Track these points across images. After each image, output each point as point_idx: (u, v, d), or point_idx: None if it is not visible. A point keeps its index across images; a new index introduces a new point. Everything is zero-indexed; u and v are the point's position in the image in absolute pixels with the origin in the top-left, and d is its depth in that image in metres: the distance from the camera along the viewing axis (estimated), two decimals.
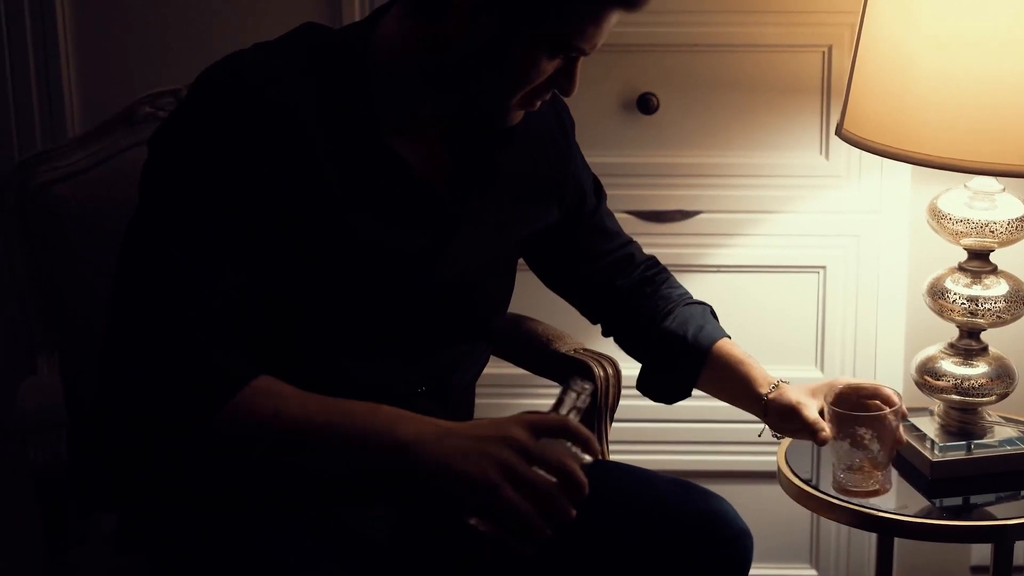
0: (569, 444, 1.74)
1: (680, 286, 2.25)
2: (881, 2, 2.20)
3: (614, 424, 2.35)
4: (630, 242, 2.25)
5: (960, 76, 2.11)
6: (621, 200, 2.62)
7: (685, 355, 2.15)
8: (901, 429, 2.12)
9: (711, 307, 2.23)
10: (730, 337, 2.18)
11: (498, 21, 1.79)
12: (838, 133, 2.29)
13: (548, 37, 1.80)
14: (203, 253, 1.78)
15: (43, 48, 2.69)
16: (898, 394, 2.12)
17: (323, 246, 1.85)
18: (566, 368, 2.28)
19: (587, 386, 1.82)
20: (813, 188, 2.64)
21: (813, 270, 2.69)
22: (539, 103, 1.91)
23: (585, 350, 2.30)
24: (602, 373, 2.24)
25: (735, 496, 2.69)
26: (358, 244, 1.86)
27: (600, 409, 2.24)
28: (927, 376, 2.34)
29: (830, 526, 2.76)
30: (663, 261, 2.54)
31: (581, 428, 1.76)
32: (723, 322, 2.48)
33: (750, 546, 2.02)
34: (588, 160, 2.20)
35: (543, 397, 2.33)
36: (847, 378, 2.25)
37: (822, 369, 2.70)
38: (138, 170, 2.31)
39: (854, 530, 2.72)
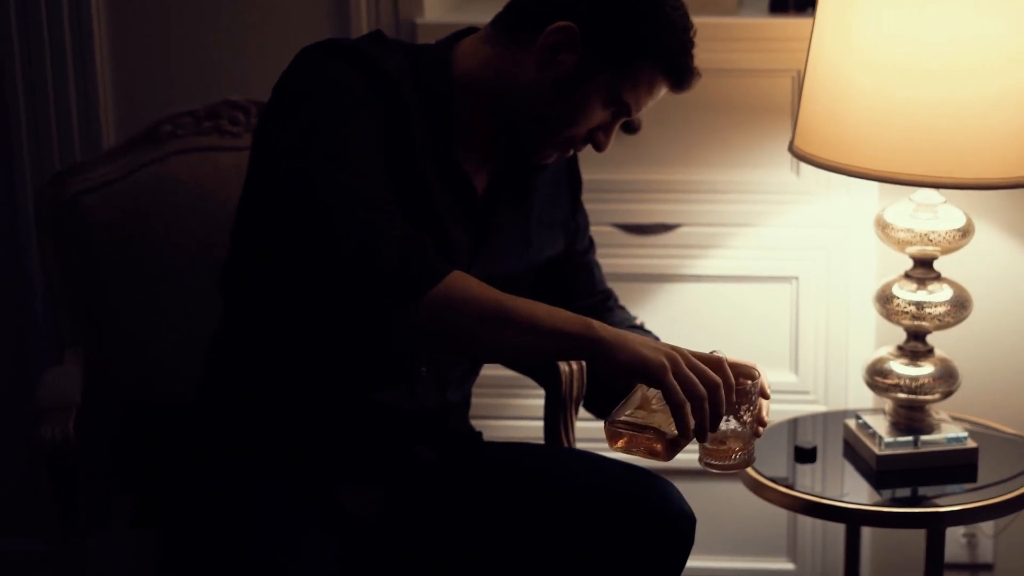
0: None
1: (629, 315, 2.40)
2: (824, 30, 2.37)
3: (587, 423, 2.49)
4: (608, 291, 2.41)
5: (891, 97, 2.27)
6: (607, 214, 2.80)
7: None
8: (760, 407, 2.09)
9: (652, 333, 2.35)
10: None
11: (574, 62, 2.02)
12: (790, 149, 2.47)
13: (609, 88, 2.04)
14: (375, 164, 1.95)
15: (81, 68, 2.90)
16: (759, 371, 2.10)
17: (400, 202, 1.98)
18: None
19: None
20: (785, 203, 2.80)
21: (787, 280, 2.83)
22: (571, 152, 2.14)
23: None
24: (567, 368, 2.41)
25: (711, 494, 2.87)
26: (422, 213, 2.04)
27: (565, 400, 2.42)
28: (876, 376, 2.51)
29: (806, 522, 2.91)
30: (646, 271, 2.74)
31: (729, 374, 1.92)
32: (702, 328, 2.67)
33: (691, 529, 2.16)
34: None
35: (538, 398, 2.53)
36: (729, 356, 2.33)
37: (796, 372, 2.86)
38: (160, 183, 2.56)
39: (829, 525, 2.88)
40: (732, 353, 2.74)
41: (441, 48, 2.13)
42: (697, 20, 2.68)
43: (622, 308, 2.43)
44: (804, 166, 2.71)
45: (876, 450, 2.46)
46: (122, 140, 2.65)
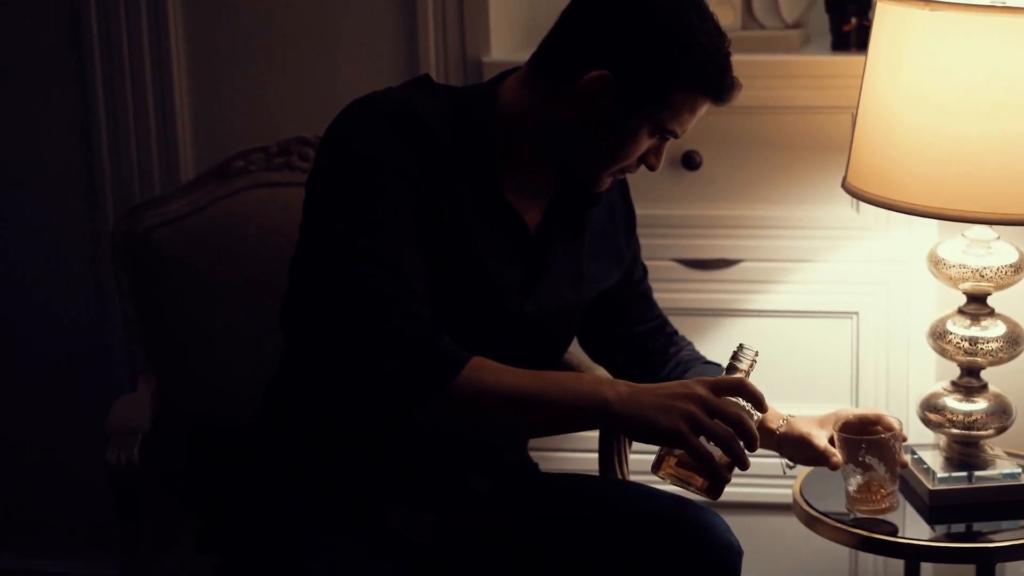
0: (743, 401, 1.97)
1: (695, 350, 2.45)
2: (875, 68, 2.40)
3: (641, 456, 2.54)
4: (663, 315, 2.47)
5: (941, 134, 2.29)
6: (668, 249, 2.84)
7: None
8: (901, 451, 2.33)
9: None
10: None
11: (613, 103, 2.07)
12: (843, 186, 2.49)
13: (652, 120, 2.08)
14: (403, 243, 2.02)
15: (162, 104, 3.02)
16: (899, 421, 2.33)
17: (443, 260, 2.08)
18: None
19: (752, 351, 2.06)
20: (846, 239, 2.82)
21: (847, 315, 2.85)
22: (625, 175, 2.19)
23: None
24: None
25: (765, 527, 2.88)
26: (470, 265, 2.11)
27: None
28: (930, 412, 2.52)
29: (867, 558, 2.92)
30: (707, 306, 2.77)
31: (754, 387, 1.98)
32: (763, 363, 2.66)
33: (736, 560, 2.21)
34: (637, 212, 2.42)
35: (593, 430, 2.52)
36: (852, 409, 2.43)
37: (856, 407, 2.85)
38: (230, 218, 2.64)
39: (890, 561, 2.88)
40: (792, 387, 2.80)
41: (486, 89, 2.18)
42: (760, 58, 2.79)
43: (681, 337, 2.47)
44: (864, 203, 2.73)
45: (929, 485, 2.47)
46: (196, 175, 2.75)
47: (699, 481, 1.96)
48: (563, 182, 2.20)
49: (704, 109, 2.13)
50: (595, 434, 2.52)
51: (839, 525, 2.43)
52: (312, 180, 2.12)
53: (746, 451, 1.94)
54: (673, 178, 2.84)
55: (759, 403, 1.99)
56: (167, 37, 2.98)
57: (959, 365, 2.51)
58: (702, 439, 1.92)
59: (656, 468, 1.99)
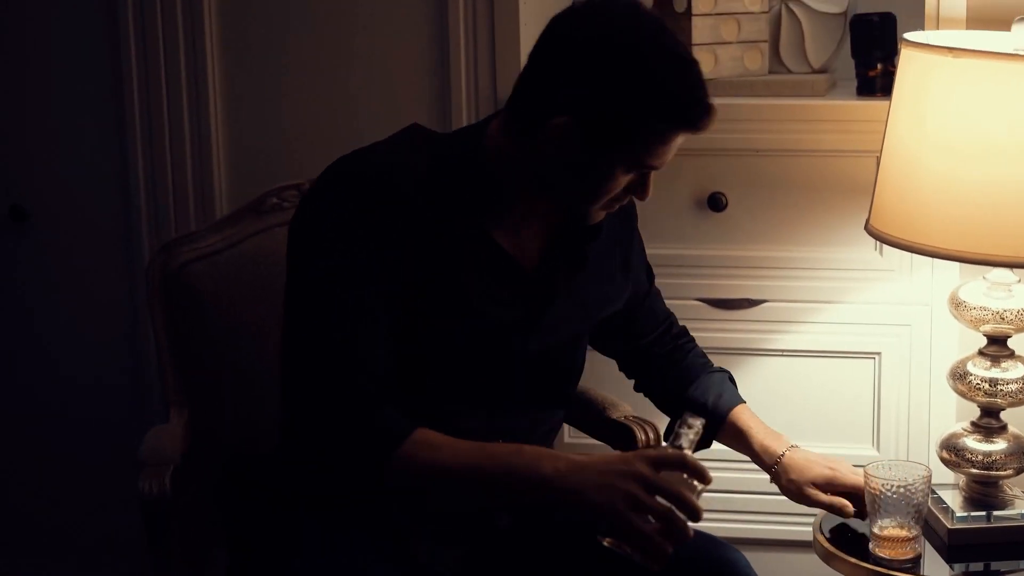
0: (685, 475, 2.00)
1: (704, 355, 2.50)
2: (899, 112, 2.44)
3: None
4: (669, 317, 2.50)
5: (963, 178, 2.33)
6: (693, 289, 2.88)
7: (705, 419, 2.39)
8: (928, 500, 2.38)
9: (729, 374, 2.48)
10: (744, 402, 2.43)
11: (581, 147, 2.07)
12: (866, 228, 2.53)
13: (624, 159, 2.08)
14: (359, 321, 2.06)
15: (198, 140, 3.08)
16: (928, 468, 2.37)
17: (434, 314, 2.12)
18: (622, 430, 2.55)
19: (698, 422, 2.10)
20: (869, 281, 2.85)
21: (869, 356, 2.88)
22: (618, 206, 2.19)
23: (634, 417, 2.56)
24: (643, 437, 2.49)
25: (784, 564, 2.91)
26: (463, 313, 2.14)
27: None
28: (949, 452, 2.55)
29: None
30: (730, 345, 2.80)
31: (695, 461, 2.02)
32: (785, 403, 2.72)
33: None
34: (663, 252, 2.47)
35: None
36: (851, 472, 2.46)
37: (878, 448, 2.90)
38: (263, 253, 2.67)
39: None
40: (814, 427, 2.83)
41: (472, 133, 2.20)
42: (787, 102, 2.84)
43: (688, 340, 2.51)
44: (887, 245, 2.76)
45: (948, 524, 2.50)
46: (230, 211, 2.80)
47: (637, 556, 1.99)
48: (558, 218, 2.22)
49: (681, 138, 2.11)
50: None
51: (858, 563, 2.46)
52: (290, 239, 2.17)
53: (689, 523, 1.98)
54: (699, 219, 2.88)
55: (701, 476, 2.02)
56: (204, 75, 3.05)
57: (979, 406, 2.54)
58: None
59: (600, 536, 2.01)
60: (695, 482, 2.01)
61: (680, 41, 2.11)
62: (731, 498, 2.95)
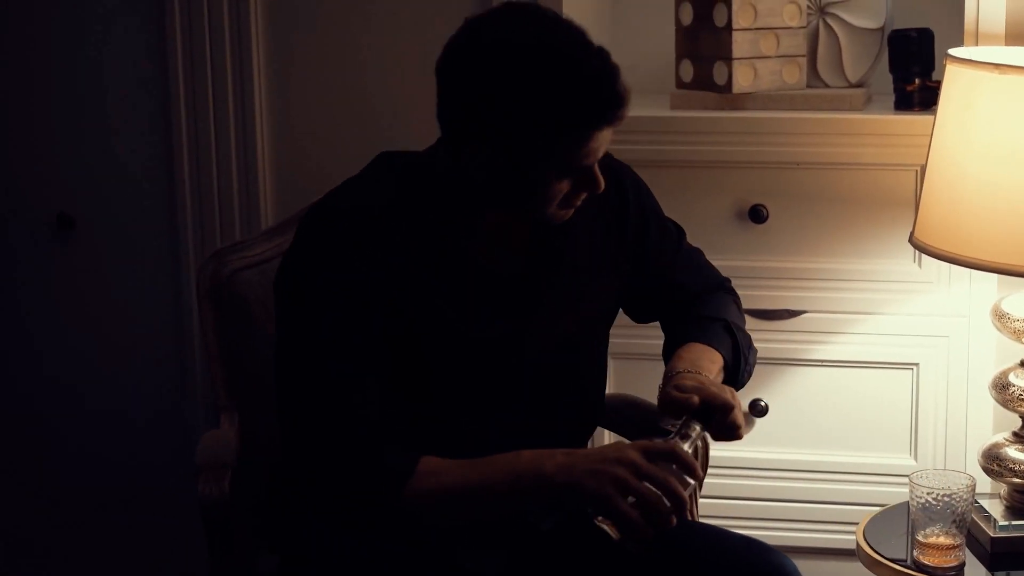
0: (675, 467, 2.05)
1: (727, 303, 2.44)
2: (945, 125, 2.49)
3: (709, 501, 2.66)
4: (702, 289, 2.42)
5: (1008, 190, 2.38)
6: None
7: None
8: (971, 508, 2.44)
9: (725, 322, 2.38)
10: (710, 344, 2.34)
11: (503, 169, 2.07)
12: (910, 240, 2.57)
13: (553, 167, 2.06)
14: (352, 368, 2.09)
15: (243, 152, 3.12)
16: (971, 477, 2.43)
17: (425, 341, 2.14)
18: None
19: (697, 427, 2.14)
20: (907, 293, 2.89)
21: (907, 366, 2.92)
22: (578, 202, 2.15)
23: None
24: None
25: (830, 572, 2.94)
26: (451, 336, 2.15)
27: None
28: (991, 461, 2.59)
29: None
30: (771, 355, 2.84)
31: (686, 454, 2.06)
32: (824, 412, 2.76)
33: None
34: None
35: None
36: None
37: (915, 457, 2.93)
38: None
39: None
40: (852, 436, 2.86)
41: (432, 153, 2.19)
42: (826, 116, 2.88)
43: (710, 297, 2.42)
44: (926, 257, 2.78)
45: (991, 532, 2.54)
46: (278, 221, 2.84)
47: (623, 539, 2.04)
48: (527, 224, 2.21)
49: (607, 132, 2.06)
50: None
51: (902, 569, 2.50)
52: (276, 296, 2.20)
53: (673, 515, 2.03)
54: (740, 231, 2.92)
55: (692, 471, 2.07)
56: (250, 85, 3.09)
57: (1021, 416, 2.58)
58: (631, 500, 2.02)
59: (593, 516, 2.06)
60: (686, 477, 2.06)
61: (577, 33, 2.06)
62: (774, 506, 2.99)
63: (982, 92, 2.40)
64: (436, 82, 2.09)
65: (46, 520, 3.40)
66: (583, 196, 2.15)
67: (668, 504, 2.02)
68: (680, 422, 2.15)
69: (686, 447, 2.11)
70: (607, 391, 2.46)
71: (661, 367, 2.31)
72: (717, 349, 2.32)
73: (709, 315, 2.38)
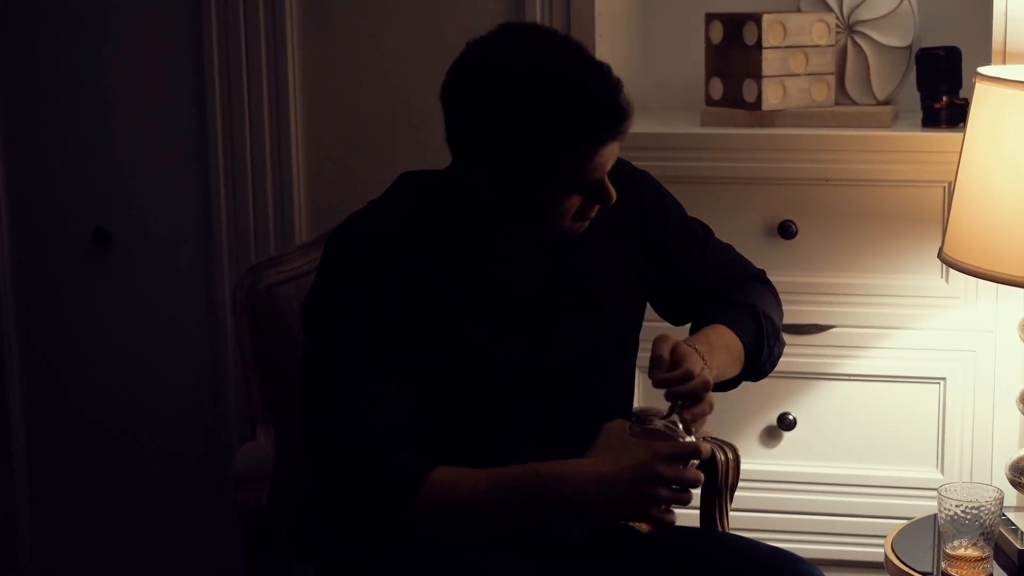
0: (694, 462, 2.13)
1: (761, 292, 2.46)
2: (975, 141, 2.52)
3: (738, 514, 2.70)
4: (729, 285, 2.43)
5: None
6: None
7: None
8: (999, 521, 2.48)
9: (754, 309, 2.40)
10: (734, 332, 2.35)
11: (513, 188, 2.12)
12: (939, 255, 2.60)
13: (561, 185, 2.10)
14: (373, 380, 2.13)
15: (279, 168, 3.16)
16: (999, 490, 2.45)
17: (448, 357, 2.18)
18: None
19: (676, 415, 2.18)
20: (935, 308, 2.92)
21: (934, 381, 2.94)
22: (592, 214, 2.18)
23: (713, 438, 2.63)
24: (723, 457, 2.56)
25: None
26: (473, 352, 2.19)
27: (720, 488, 2.57)
28: (1019, 474, 2.62)
29: None
30: (800, 369, 2.87)
31: (703, 448, 2.11)
32: (852, 425, 2.79)
33: None
34: None
35: None
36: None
37: (942, 470, 2.96)
38: None
39: None
40: (879, 449, 2.88)
41: (449, 173, 2.23)
42: (854, 133, 2.91)
43: (744, 286, 2.43)
44: (953, 272, 2.82)
45: (1018, 545, 2.56)
46: (312, 235, 2.88)
47: (646, 528, 2.18)
48: (542, 239, 2.24)
49: (612, 146, 2.09)
50: (696, 491, 2.60)
51: None
52: (304, 318, 2.25)
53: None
54: (769, 246, 2.95)
55: (700, 455, 2.12)
56: (286, 106, 3.14)
57: None
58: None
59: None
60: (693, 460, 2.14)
61: (578, 51, 2.09)
62: (803, 519, 3.02)
63: (1012, 110, 2.43)
64: (442, 107, 2.14)
65: (87, 523, 3.46)
66: (596, 208, 2.18)
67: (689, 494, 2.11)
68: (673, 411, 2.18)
69: (693, 438, 2.16)
70: (634, 405, 2.49)
71: None
72: (737, 334, 2.33)
73: (738, 300, 2.40)
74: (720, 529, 2.59)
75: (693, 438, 2.15)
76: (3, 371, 3.39)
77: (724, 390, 2.35)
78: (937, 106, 2.93)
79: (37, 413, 3.43)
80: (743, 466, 2.67)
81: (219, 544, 3.26)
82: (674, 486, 2.08)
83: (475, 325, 2.20)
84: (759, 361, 2.37)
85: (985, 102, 2.50)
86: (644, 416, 2.23)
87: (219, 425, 3.26)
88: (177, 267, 3.27)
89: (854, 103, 3.08)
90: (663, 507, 2.09)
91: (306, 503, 2.36)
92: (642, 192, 2.36)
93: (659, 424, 2.16)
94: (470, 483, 2.11)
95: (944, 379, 2.95)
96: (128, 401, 3.36)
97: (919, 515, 2.76)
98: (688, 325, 2.43)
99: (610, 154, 2.10)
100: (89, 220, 3.28)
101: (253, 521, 2.45)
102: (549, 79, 2.05)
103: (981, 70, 2.55)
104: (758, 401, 2.98)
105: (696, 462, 2.13)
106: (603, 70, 2.09)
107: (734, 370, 2.32)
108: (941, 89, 2.93)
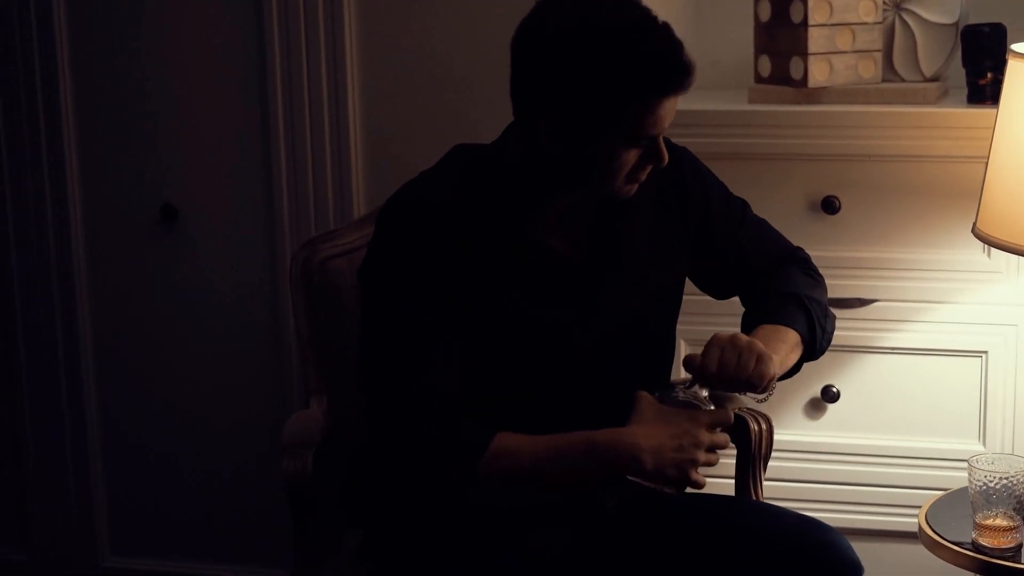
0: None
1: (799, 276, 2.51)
2: (1007, 120, 2.55)
3: (779, 484, 2.77)
4: (770, 267, 2.50)
5: None
6: None
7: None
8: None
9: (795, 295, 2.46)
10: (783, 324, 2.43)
11: (574, 140, 2.18)
12: (973, 231, 2.63)
13: (621, 137, 2.17)
14: (429, 348, 2.22)
15: (337, 143, 3.24)
16: None
17: (496, 323, 2.26)
18: (736, 420, 2.63)
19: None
20: (977, 282, 2.94)
21: (976, 354, 2.97)
22: (644, 176, 2.26)
23: (748, 409, 2.67)
24: (756, 428, 2.62)
25: (889, 552, 3.00)
26: (520, 318, 2.27)
27: (753, 458, 2.63)
28: None
29: None
30: (843, 343, 2.90)
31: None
32: (895, 398, 2.85)
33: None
34: None
35: (728, 456, 2.67)
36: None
37: (984, 443, 2.99)
38: None
39: None
40: (921, 422, 2.91)
41: (501, 143, 2.32)
42: (899, 109, 2.94)
43: (782, 272, 2.50)
44: (992, 247, 2.84)
45: None
46: (368, 211, 2.95)
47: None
48: (592, 205, 2.31)
49: (671, 101, 2.18)
50: (730, 461, 2.66)
51: (962, 551, 2.57)
52: (361, 286, 2.35)
53: None
54: (813, 221, 3.00)
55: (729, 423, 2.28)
56: (344, 87, 3.21)
57: None
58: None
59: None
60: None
61: (643, 11, 2.18)
62: (843, 489, 3.06)
63: None
64: (510, 60, 2.22)
65: (159, 500, 3.57)
66: (648, 170, 2.25)
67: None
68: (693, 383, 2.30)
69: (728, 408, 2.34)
70: (673, 378, 2.53)
71: None
72: (790, 326, 2.41)
73: (781, 291, 2.46)
74: (754, 498, 2.64)
75: (712, 406, 2.26)
76: (77, 348, 3.50)
77: (790, 376, 2.46)
78: (982, 82, 2.95)
79: (107, 391, 3.54)
80: (786, 437, 2.73)
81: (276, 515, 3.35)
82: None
83: (523, 292, 2.27)
84: (816, 343, 2.46)
85: (1017, 78, 2.52)
86: (667, 388, 2.30)
87: (281, 397, 3.35)
88: (241, 242, 3.36)
89: (902, 80, 3.11)
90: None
91: (363, 470, 2.47)
92: (682, 169, 2.43)
93: (682, 395, 2.27)
94: (530, 450, 2.20)
95: (986, 352, 2.97)
96: (192, 368, 3.46)
97: (957, 485, 2.80)
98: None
99: (669, 109, 2.19)
100: (157, 198, 3.38)
101: (298, 487, 2.53)
102: (617, 32, 2.14)
103: (1014, 47, 2.58)
104: (803, 374, 2.93)
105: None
106: (667, 28, 2.19)
107: (795, 357, 2.42)
108: (986, 65, 2.95)
